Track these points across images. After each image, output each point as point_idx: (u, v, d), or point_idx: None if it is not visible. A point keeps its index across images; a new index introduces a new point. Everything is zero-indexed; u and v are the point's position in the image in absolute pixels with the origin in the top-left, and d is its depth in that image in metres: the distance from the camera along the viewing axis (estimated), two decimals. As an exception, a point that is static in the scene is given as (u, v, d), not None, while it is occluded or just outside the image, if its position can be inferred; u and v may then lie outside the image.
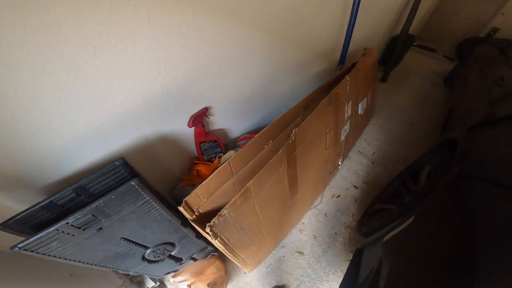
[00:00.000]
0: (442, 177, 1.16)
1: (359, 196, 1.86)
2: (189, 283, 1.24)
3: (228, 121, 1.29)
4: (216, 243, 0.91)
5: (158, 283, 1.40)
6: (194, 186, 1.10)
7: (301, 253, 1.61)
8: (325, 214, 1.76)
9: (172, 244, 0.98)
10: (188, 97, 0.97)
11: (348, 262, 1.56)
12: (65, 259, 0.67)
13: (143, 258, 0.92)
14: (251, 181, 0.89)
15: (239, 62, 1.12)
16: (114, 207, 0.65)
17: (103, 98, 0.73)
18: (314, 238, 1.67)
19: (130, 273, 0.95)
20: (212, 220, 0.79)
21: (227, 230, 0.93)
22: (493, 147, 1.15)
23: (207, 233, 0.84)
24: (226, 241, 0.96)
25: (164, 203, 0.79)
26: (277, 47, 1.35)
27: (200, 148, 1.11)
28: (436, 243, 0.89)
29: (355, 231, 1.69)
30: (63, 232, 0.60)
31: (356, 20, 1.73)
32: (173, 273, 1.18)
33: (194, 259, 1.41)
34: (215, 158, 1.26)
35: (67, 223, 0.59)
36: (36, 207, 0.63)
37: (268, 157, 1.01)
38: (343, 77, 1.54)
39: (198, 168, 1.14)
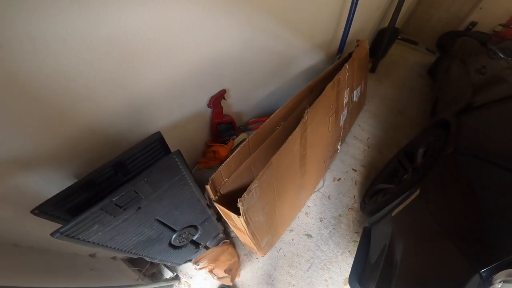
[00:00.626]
0: (439, 155, 1.27)
1: (358, 178, 1.95)
2: (209, 269, 1.26)
3: (241, 104, 1.33)
4: (241, 221, 0.93)
5: (175, 274, 1.41)
6: (210, 168, 1.11)
7: (309, 235, 1.67)
8: (328, 197, 1.83)
9: (196, 228, 0.99)
10: (209, 79, 1.00)
11: (355, 243, 1.63)
12: (102, 245, 0.65)
13: (170, 244, 0.92)
14: (274, 157, 0.92)
15: (255, 49, 1.20)
16: (154, 183, 0.65)
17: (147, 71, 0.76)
18: (320, 220, 1.73)
19: (156, 261, 0.95)
20: (243, 195, 0.81)
21: (251, 209, 0.95)
22: (480, 128, 1.27)
23: (238, 208, 0.86)
24: (249, 220, 0.98)
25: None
26: (289, 37, 1.46)
27: (217, 129, 1.12)
28: (443, 214, 0.97)
29: (358, 212, 1.77)
30: (106, 212, 0.59)
31: (356, 11, 1.82)
32: (193, 260, 1.19)
33: (207, 248, 1.43)
34: (229, 140, 1.27)
35: (111, 200, 0.58)
36: (75, 186, 0.61)
37: (280, 137, 1.05)
38: (343, 65, 1.62)
39: (215, 150, 1.15)
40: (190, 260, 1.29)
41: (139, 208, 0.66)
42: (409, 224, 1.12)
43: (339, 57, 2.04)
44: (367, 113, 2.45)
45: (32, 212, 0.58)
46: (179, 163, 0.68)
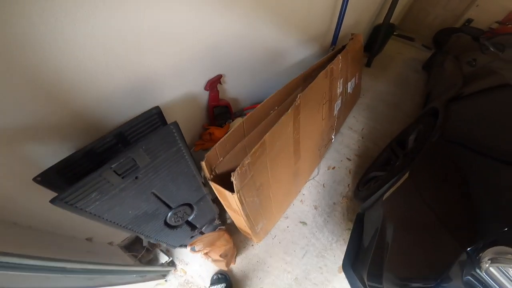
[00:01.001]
0: (428, 140, 1.31)
1: (352, 167, 1.98)
2: (205, 252, 1.28)
3: (236, 90, 1.37)
4: (235, 199, 0.95)
5: (170, 259, 1.43)
6: (206, 150, 1.14)
7: (304, 223, 1.70)
8: (323, 185, 1.86)
9: (191, 207, 1.02)
10: (207, 63, 1.04)
11: (349, 231, 1.66)
12: (99, 216, 0.66)
13: (165, 222, 0.95)
14: (267, 134, 0.95)
15: (251, 38, 1.26)
16: (152, 151, 0.67)
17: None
18: (315, 208, 1.76)
19: (151, 240, 0.97)
20: (236, 170, 0.84)
21: (245, 187, 0.97)
22: (465, 116, 1.30)
23: (232, 186, 0.89)
24: (243, 199, 1.01)
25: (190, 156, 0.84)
26: (283, 29, 1.52)
27: (213, 112, 1.16)
28: (432, 195, 1.00)
29: (352, 201, 1.80)
30: (104, 179, 0.61)
31: (347, 7, 1.86)
32: (189, 243, 1.22)
33: (202, 233, 1.46)
34: (225, 123, 1.31)
35: (110, 167, 0.60)
36: (77, 154, 0.63)
37: (273, 121, 1.07)
38: (336, 56, 1.66)
39: (211, 131, 1.18)
40: (185, 246, 1.32)
41: (136, 177, 0.68)
42: (398, 206, 1.15)
43: (332, 48, 2.07)
44: (362, 105, 2.49)
45: (35, 179, 0.60)
46: (175, 134, 0.70)
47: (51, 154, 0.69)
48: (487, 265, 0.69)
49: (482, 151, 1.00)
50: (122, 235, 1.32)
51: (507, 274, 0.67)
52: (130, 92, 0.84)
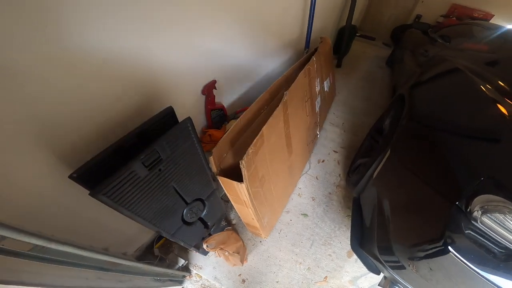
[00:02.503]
0: (400, 122, 1.48)
1: (340, 158, 2.15)
2: (220, 247, 1.33)
3: (228, 95, 1.50)
4: (243, 188, 1.05)
5: (186, 262, 1.45)
6: (208, 151, 1.23)
7: (305, 215, 1.79)
8: (316, 178, 1.99)
9: (203, 202, 1.09)
10: (201, 70, 1.17)
11: (349, 218, 1.77)
12: (131, 210, 0.71)
13: (182, 219, 1.01)
14: (264, 126, 1.06)
15: (235, 48, 1.40)
16: (172, 144, 0.75)
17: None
18: (312, 200, 1.87)
19: (171, 237, 1.01)
20: (243, 157, 0.94)
21: (250, 178, 1.07)
22: (426, 97, 1.48)
23: (240, 177, 0.99)
24: (249, 189, 1.09)
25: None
26: (261, 38, 1.70)
27: (211, 115, 1.27)
28: (414, 163, 1.12)
29: (346, 189, 1.94)
30: (134, 171, 0.66)
31: (314, 12, 2.11)
32: (204, 240, 1.27)
33: (210, 235, 1.50)
34: (222, 125, 1.41)
35: (140, 158, 0.67)
36: (108, 150, 0.68)
37: (268, 115, 1.20)
38: (310, 58, 1.86)
39: (210, 133, 1.28)
40: (197, 248, 1.36)
41: (160, 170, 0.76)
42: (388, 181, 1.27)
43: (306, 51, 2.30)
44: (339, 102, 2.72)
45: (70, 176, 0.64)
46: (190, 128, 0.80)
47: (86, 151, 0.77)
48: (479, 215, 0.74)
49: (442, 126, 1.15)
50: (135, 244, 1.34)
51: (497, 220, 0.72)
52: (147, 96, 0.94)
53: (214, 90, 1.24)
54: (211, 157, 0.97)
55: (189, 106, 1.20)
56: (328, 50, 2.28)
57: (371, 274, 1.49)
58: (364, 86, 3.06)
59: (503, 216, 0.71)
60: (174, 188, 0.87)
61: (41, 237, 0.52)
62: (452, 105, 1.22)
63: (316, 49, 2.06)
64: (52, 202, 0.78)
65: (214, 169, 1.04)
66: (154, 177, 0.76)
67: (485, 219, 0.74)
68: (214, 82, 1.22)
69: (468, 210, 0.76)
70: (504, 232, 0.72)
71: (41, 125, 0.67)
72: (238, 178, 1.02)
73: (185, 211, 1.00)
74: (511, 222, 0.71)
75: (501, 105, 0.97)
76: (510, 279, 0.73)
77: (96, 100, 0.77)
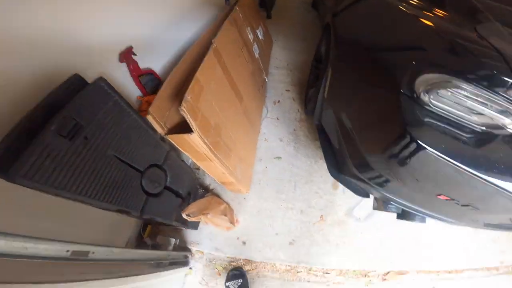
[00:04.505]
0: (331, 44, 1.52)
1: (294, 95, 2.21)
2: (203, 215, 1.30)
3: (155, 60, 1.38)
4: (197, 140, 1.01)
5: (177, 240, 1.42)
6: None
7: (279, 157, 1.81)
8: (277, 118, 2.03)
9: (161, 168, 1.04)
10: (110, 38, 1.05)
11: (321, 149, 1.79)
12: (66, 189, 0.64)
13: (144, 191, 0.96)
14: (197, 72, 1.03)
15: (145, 12, 1.28)
16: (89, 107, 0.68)
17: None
18: (280, 141, 1.90)
19: (139, 214, 0.96)
20: (181, 104, 0.90)
21: (201, 128, 1.02)
22: (347, 21, 1.51)
23: (186, 129, 0.95)
24: (205, 140, 1.06)
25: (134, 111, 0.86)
26: None
27: (140, 82, 1.18)
28: (354, 68, 1.20)
29: (307, 120, 2.00)
30: (49, 144, 0.59)
31: None
32: (182, 210, 1.24)
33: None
34: (157, 90, 1.30)
35: (51, 129, 0.59)
36: (16, 130, 0.59)
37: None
38: (233, 9, 1.80)
39: (146, 99, 1.20)
40: (184, 224, 1.33)
41: (86, 137, 0.69)
42: (339, 94, 1.31)
43: (228, 3, 2.25)
44: (278, 48, 2.74)
45: None
46: (106, 88, 0.73)
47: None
48: (427, 98, 0.72)
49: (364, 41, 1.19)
50: (121, 238, 1.29)
51: (446, 98, 0.71)
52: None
53: (134, 56, 1.13)
54: (149, 116, 0.91)
55: (113, 77, 1.08)
56: (250, 1, 2.23)
57: (364, 202, 1.55)
58: (298, 30, 3.12)
59: (451, 92, 0.70)
60: (116, 157, 0.81)
61: None
62: (375, 27, 1.21)
63: (237, 1, 2.00)
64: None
65: (159, 129, 0.98)
66: (81, 147, 0.69)
67: (434, 100, 0.72)
68: (130, 48, 1.12)
69: (415, 96, 0.75)
70: (458, 111, 0.71)
71: None
72: (189, 131, 0.98)
73: (143, 181, 0.95)
74: (460, 97, 0.70)
75: (423, 19, 0.93)
76: (489, 167, 0.69)
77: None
